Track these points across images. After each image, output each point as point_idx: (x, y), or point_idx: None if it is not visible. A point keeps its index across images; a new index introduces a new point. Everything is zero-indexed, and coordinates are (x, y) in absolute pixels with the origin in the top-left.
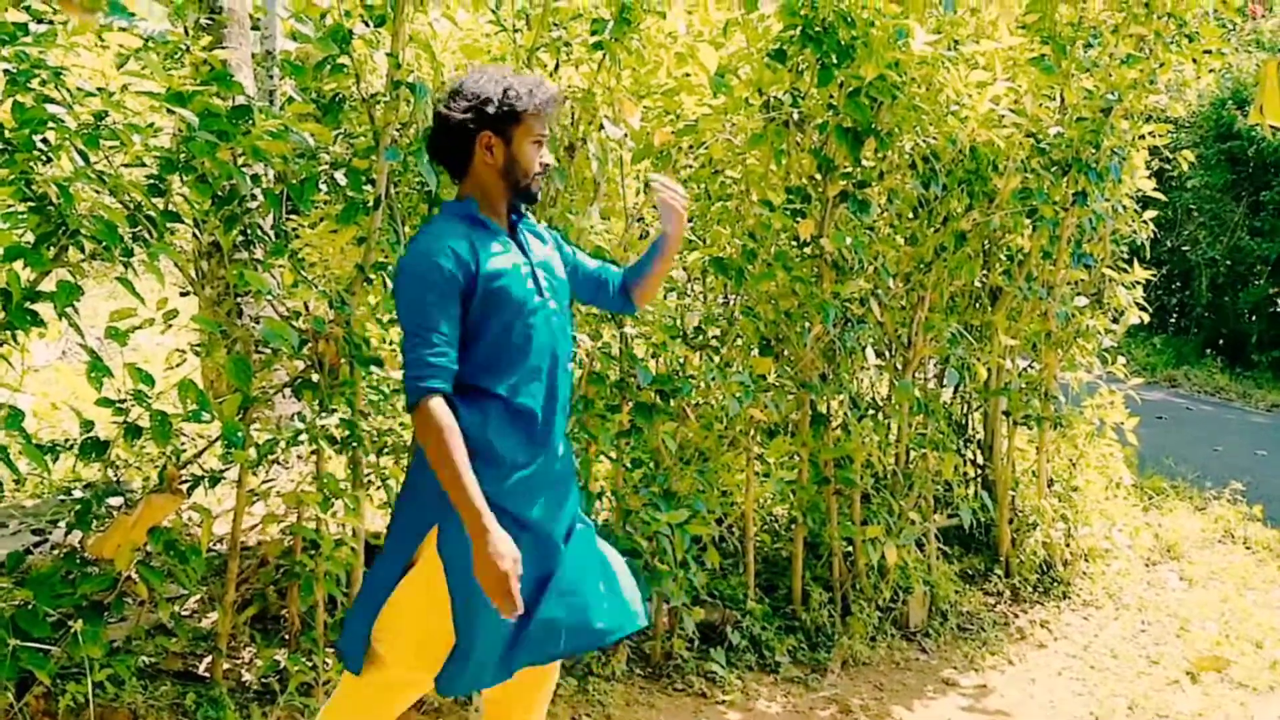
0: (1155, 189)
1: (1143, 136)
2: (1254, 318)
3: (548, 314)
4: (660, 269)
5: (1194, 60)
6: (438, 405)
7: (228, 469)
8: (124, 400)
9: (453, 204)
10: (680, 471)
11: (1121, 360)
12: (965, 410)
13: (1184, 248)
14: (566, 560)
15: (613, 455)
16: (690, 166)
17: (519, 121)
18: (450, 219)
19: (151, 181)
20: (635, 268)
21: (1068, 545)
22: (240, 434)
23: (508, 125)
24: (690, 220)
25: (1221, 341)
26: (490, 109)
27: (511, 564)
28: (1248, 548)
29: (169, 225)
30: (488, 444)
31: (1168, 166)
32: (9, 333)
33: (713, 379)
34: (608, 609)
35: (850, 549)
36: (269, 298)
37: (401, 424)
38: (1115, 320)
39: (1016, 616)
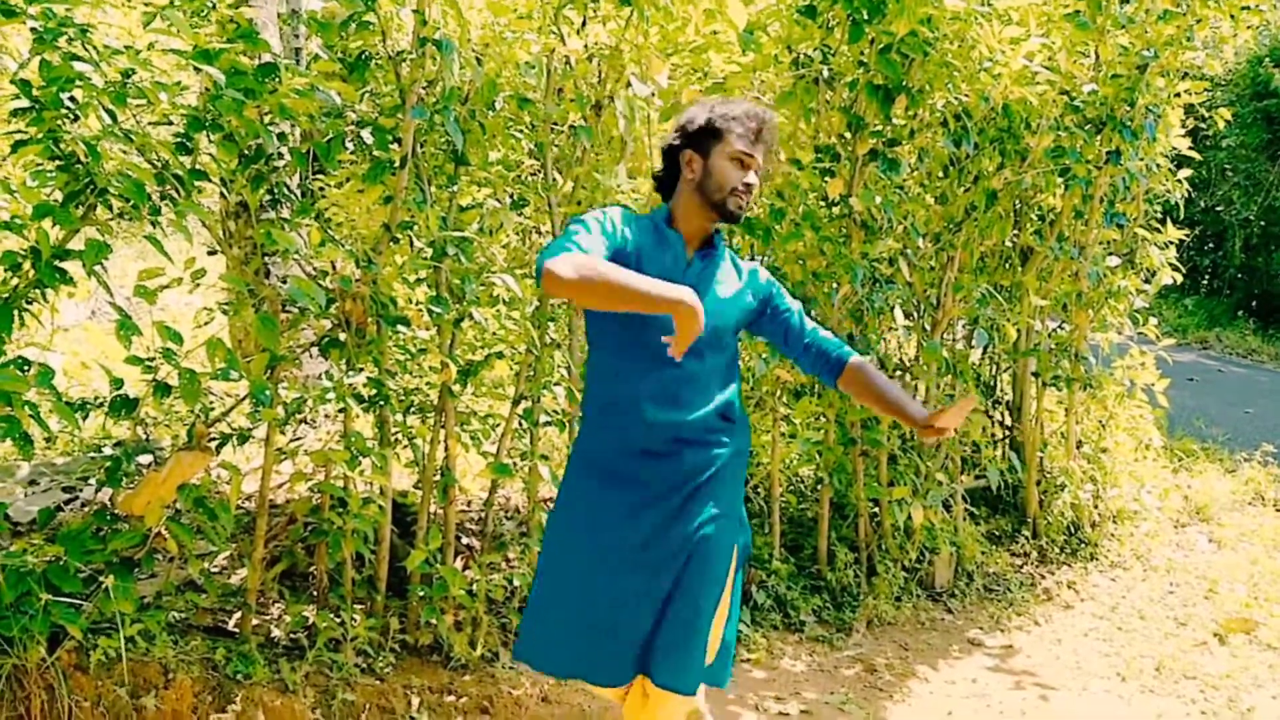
0: (1190, 148)
1: (1178, 94)
2: None
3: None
4: (884, 403)
5: (1231, 16)
6: (556, 258)
7: (256, 427)
8: (153, 359)
9: (655, 210)
10: None
11: (1153, 321)
12: (994, 371)
13: (1218, 208)
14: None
15: None
16: None
17: (718, 138)
18: (644, 217)
19: (179, 140)
20: (872, 375)
21: (1096, 507)
22: (268, 392)
23: (707, 141)
24: None
25: (1254, 303)
26: (692, 127)
27: (693, 297)
28: (1278, 510)
29: (196, 184)
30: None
31: (1203, 125)
32: (39, 291)
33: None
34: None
35: (876, 510)
36: (296, 257)
37: (428, 383)
38: (1147, 281)
39: (1043, 578)
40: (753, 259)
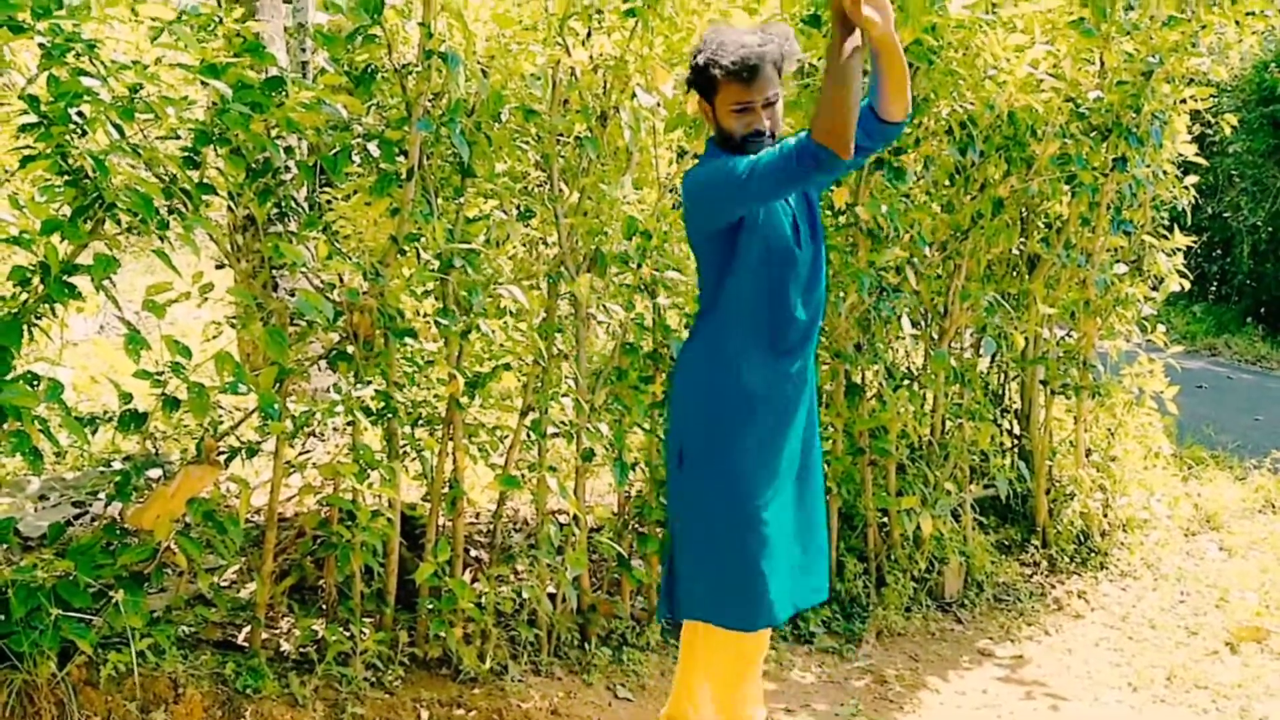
0: (1196, 154)
1: (1184, 100)
2: None
3: (806, 257)
4: (886, 71)
5: (1236, 22)
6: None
7: (264, 440)
8: (161, 373)
9: (712, 149)
10: None
11: (1161, 328)
12: (1002, 380)
13: (1225, 214)
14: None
15: (646, 426)
16: None
17: (715, 89)
18: (707, 157)
19: (186, 154)
20: (870, 90)
21: (1105, 515)
22: (276, 406)
23: (707, 92)
24: None
25: (1263, 310)
26: (692, 75)
27: None
28: None
29: (204, 198)
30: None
31: (1209, 131)
32: (48, 306)
33: None
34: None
35: (885, 519)
36: (304, 270)
37: (436, 395)
38: (1155, 288)
39: (1053, 587)
40: None
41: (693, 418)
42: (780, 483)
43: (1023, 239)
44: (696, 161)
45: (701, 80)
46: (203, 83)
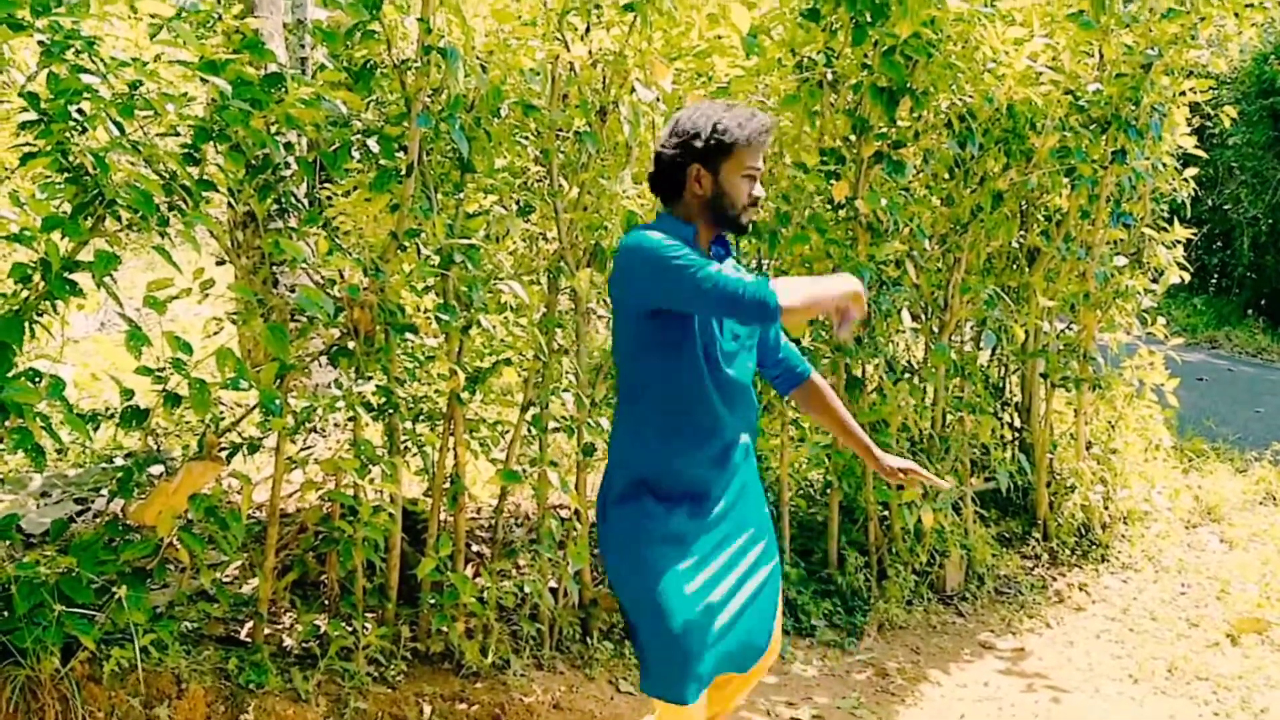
0: (1196, 146)
1: (1183, 93)
2: None
3: (737, 356)
4: (840, 424)
5: (1235, 14)
6: (774, 282)
7: (266, 436)
8: (163, 369)
9: (673, 221)
10: None
11: (1161, 321)
12: (1002, 373)
13: (1225, 206)
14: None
15: None
16: None
17: (729, 154)
18: (661, 227)
19: (186, 151)
20: (830, 393)
21: (1106, 508)
22: (278, 402)
23: (716, 158)
24: None
25: (1263, 302)
26: (698, 143)
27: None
28: None
29: (204, 195)
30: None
31: (1209, 123)
32: (49, 303)
33: None
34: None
35: (886, 513)
36: (304, 266)
37: (436, 390)
38: (1155, 280)
39: (1054, 580)
40: (759, 263)
41: (611, 495)
42: (703, 557)
43: (1022, 232)
44: (645, 225)
45: (709, 149)
46: (202, 79)
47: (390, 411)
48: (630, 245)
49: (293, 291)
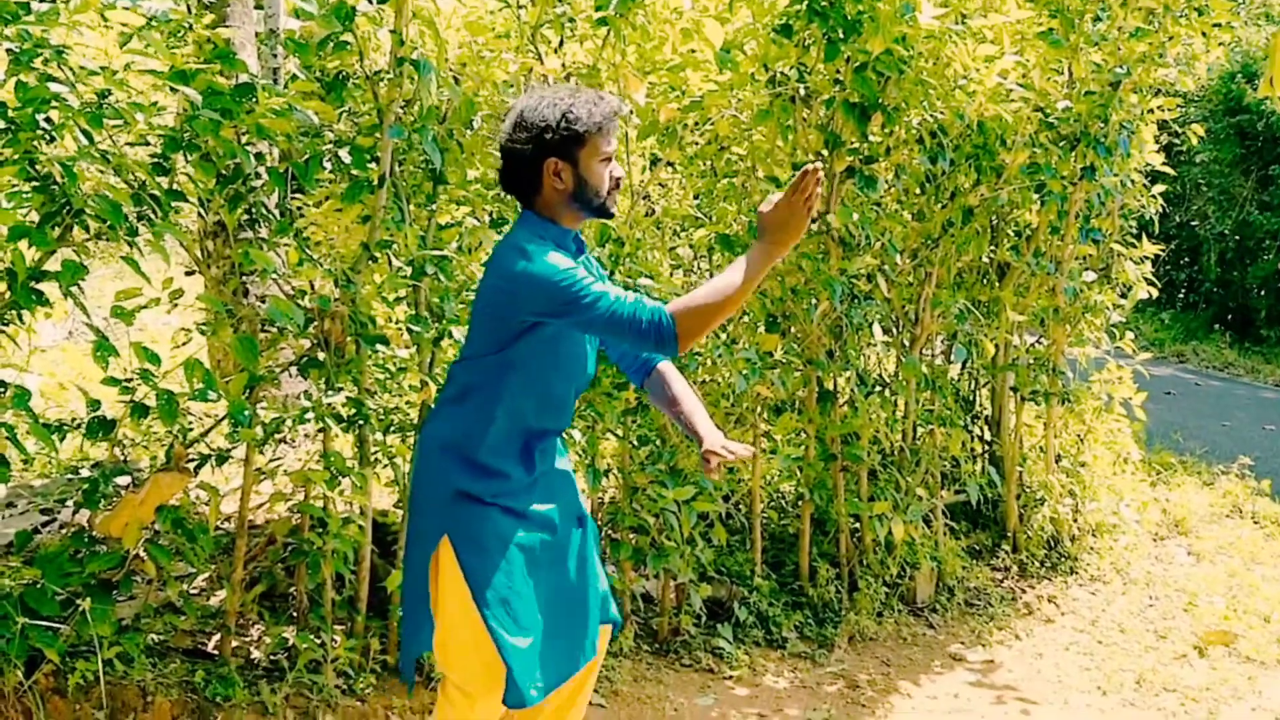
0: (1164, 163)
1: (1151, 110)
2: (1263, 293)
3: (591, 345)
4: (675, 409)
5: (1203, 34)
6: (670, 305)
7: (235, 447)
8: (130, 380)
9: (535, 221)
10: (687, 448)
11: (1130, 335)
12: (973, 386)
13: (1193, 222)
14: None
15: (619, 433)
16: (696, 143)
17: (583, 143)
18: (534, 232)
19: (156, 160)
20: (671, 379)
21: (1075, 520)
22: (247, 413)
23: (572, 148)
24: (697, 197)
25: (1230, 317)
26: (551, 135)
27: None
28: (1256, 522)
29: (174, 204)
30: (488, 455)
31: (1176, 141)
32: (15, 312)
33: (719, 356)
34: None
35: (857, 525)
36: (274, 276)
37: (408, 402)
38: (1123, 295)
39: (1024, 592)
40: None
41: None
42: (530, 557)
43: (993, 247)
44: (513, 230)
45: (563, 140)
46: (172, 89)
47: (361, 423)
48: (515, 267)
49: (263, 302)
